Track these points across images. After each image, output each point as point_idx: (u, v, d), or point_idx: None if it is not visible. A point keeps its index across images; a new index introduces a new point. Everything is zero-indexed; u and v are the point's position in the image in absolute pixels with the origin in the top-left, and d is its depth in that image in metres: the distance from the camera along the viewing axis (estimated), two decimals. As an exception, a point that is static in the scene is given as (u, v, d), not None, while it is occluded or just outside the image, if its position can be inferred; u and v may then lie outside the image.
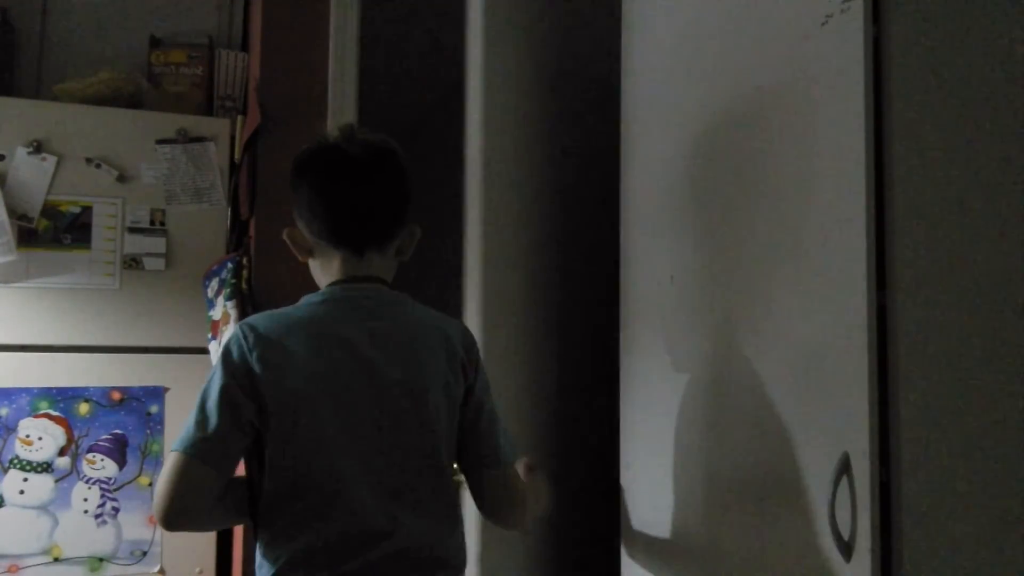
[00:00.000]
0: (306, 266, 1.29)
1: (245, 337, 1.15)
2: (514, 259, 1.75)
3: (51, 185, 1.92)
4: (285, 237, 1.27)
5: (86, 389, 1.90)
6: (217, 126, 2.05)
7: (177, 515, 1.10)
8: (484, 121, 1.70)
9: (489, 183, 1.71)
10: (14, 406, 1.85)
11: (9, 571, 1.82)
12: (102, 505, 1.88)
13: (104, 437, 1.90)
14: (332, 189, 1.21)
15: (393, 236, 1.25)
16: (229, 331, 1.80)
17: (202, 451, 1.10)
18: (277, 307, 1.29)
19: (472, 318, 1.71)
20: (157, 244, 1.98)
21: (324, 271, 1.26)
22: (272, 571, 1.13)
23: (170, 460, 1.11)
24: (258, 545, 1.16)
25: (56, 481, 1.86)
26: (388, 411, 1.17)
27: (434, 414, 1.18)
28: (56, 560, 1.85)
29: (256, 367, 1.13)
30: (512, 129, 1.75)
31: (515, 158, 1.76)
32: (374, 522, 1.13)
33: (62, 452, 1.87)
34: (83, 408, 1.89)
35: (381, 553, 1.12)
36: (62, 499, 1.86)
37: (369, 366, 1.17)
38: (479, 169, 1.72)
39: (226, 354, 1.15)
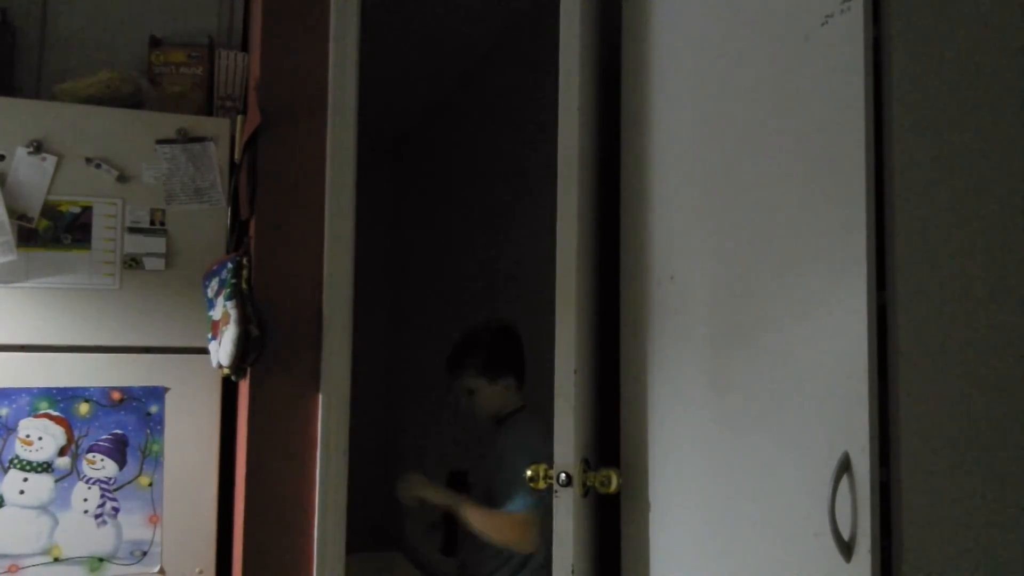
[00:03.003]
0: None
1: None
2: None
3: (51, 185, 1.92)
4: (500, 388, 2.26)
5: (86, 389, 1.90)
6: (217, 126, 2.05)
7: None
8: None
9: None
10: (14, 406, 1.85)
11: (9, 571, 1.81)
12: (102, 505, 1.88)
13: (104, 437, 1.90)
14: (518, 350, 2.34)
15: None
16: (229, 331, 1.80)
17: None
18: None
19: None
20: (157, 244, 1.98)
21: (510, 401, 2.27)
22: None
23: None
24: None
25: (56, 481, 1.86)
26: None
27: None
28: (56, 560, 1.85)
29: None
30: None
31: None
32: None
33: (62, 452, 1.87)
34: (83, 408, 1.89)
35: None
36: (62, 499, 1.86)
37: None
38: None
39: None
